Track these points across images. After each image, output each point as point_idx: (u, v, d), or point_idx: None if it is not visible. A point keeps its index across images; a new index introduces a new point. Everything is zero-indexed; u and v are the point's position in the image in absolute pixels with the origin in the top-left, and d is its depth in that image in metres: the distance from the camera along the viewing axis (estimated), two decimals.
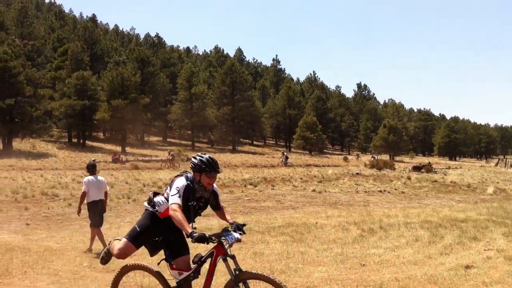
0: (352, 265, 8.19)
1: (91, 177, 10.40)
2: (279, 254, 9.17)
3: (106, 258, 5.40)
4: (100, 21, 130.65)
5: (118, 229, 12.99)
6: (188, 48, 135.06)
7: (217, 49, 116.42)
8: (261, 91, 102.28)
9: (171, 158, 41.97)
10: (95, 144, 62.85)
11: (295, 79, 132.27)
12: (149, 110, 66.29)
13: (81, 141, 61.45)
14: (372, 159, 56.76)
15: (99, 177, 10.59)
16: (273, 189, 25.03)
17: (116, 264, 8.62)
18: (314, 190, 24.02)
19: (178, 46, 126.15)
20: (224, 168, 43.52)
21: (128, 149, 60.29)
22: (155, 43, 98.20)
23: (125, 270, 5.65)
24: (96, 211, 10.30)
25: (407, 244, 9.82)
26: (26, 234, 12.44)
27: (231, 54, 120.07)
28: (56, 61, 69.52)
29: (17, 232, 12.80)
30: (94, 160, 37.22)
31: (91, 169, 10.57)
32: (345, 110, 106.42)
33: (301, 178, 32.03)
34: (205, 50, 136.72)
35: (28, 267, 8.56)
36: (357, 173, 37.52)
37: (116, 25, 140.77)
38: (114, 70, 65.35)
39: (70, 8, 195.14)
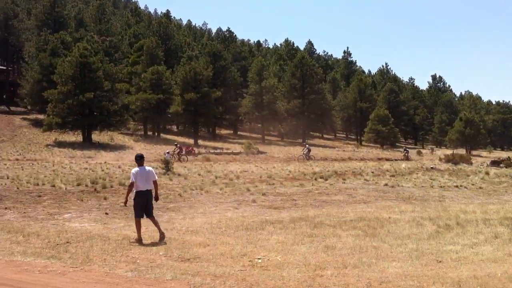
0: (428, 261, 7.98)
1: (138, 168, 10.49)
2: (352, 248, 9.07)
3: None
4: (174, 17, 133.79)
5: (192, 219, 13.30)
6: (258, 41, 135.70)
7: (287, 42, 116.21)
8: (331, 84, 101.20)
9: (178, 150, 41.24)
10: (168, 136, 64.56)
11: (366, 71, 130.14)
12: (221, 103, 67.20)
13: (156, 133, 63.32)
14: (405, 152, 54.97)
15: (147, 168, 10.65)
16: (344, 182, 24.75)
17: (191, 253, 8.86)
18: (386, 185, 23.53)
19: (248, 40, 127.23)
20: (294, 161, 43.49)
21: (200, 141, 61.52)
22: (227, 37, 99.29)
23: None
24: (143, 201, 10.39)
25: (486, 241, 9.45)
26: (105, 223, 12.96)
27: (301, 47, 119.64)
28: (132, 56, 71.90)
29: (96, 221, 13.35)
30: (168, 152, 38.37)
31: (139, 160, 10.64)
32: (419, 102, 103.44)
33: (372, 172, 31.47)
34: (275, 44, 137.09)
35: (108, 254, 8.94)
36: (432, 168, 36.40)
37: (189, 20, 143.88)
38: (187, 64, 66.71)
39: (145, 5, 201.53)
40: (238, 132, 78.99)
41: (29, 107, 64.68)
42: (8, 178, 23.42)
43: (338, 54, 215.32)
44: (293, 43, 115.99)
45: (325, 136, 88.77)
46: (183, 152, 42.09)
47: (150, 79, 60.78)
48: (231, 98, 73.94)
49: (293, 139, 75.78)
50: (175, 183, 23.21)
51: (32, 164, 33.13)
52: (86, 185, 21.52)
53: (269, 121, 73.92)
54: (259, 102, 71.67)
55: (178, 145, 43.10)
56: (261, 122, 74.19)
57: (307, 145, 49.91)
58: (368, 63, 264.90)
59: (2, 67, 77.31)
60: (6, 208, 15.31)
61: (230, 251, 8.95)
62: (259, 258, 8.29)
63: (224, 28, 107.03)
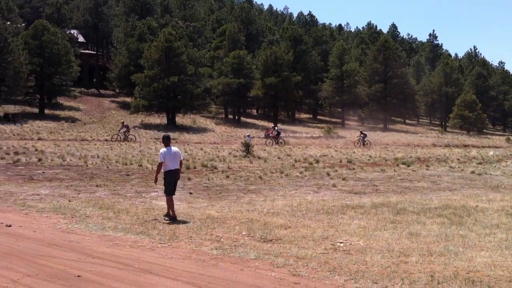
0: None
1: (166, 149, 10.90)
2: (437, 236, 8.86)
3: None
4: (255, 2, 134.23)
5: (272, 202, 13.46)
6: (340, 25, 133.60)
7: (369, 26, 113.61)
8: (415, 68, 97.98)
9: (125, 129, 39.31)
10: (249, 120, 65.34)
11: (453, 55, 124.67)
12: (301, 87, 67.01)
13: (236, 117, 64.27)
14: (361, 136, 44.95)
15: (174, 148, 11.09)
16: (428, 169, 24.04)
17: (273, 235, 9.01)
18: (473, 172, 22.61)
19: (330, 24, 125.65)
20: (375, 147, 42.73)
21: (279, 125, 61.70)
22: (308, 21, 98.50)
23: None
24: (172, 180, 10.92)
25: None
26: (189, 202, 13.40)
27: (384, 30, 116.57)
28: (215, 41, 73.13)
29: (181, 200, 13.81)
30: (248, 135, 38.89)
31: (166, 140, 11.04)
32: (509, 87, 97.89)
33: (458, 159, 30.36)
34: (357, 27, 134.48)
35: (193, 232, 9.27)
36: None
37: (270, 5, 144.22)
38: (268, 49, 66.96)
39: None
40: (318, 117, 78.51)
41: (117, 90, 67.60)
42: (98, 157, 24.71)
43: (423, 37, 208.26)
44: (376, 26, 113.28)
45: (407, 121, 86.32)
46: (130, 131, 39.89)
47: (232, 63, 61.64)
48: (311, 82, 73.51)
49: (374, 124, 74.33)
50: (255, 166, 23.53)
51: (120, 144, 34.73)
52: None
53: (349, 105, 72.89)
54: (340, 87, 70.77)
55: (124, 124, 40.52)
56: (341, 107, 73.31)
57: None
58: (455, 47, 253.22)
59: (93, 52, 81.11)
60: (97, 185, 16.18)
61: (312, 234, 9.01)
62: (341, 242, 8.30)
63: (305, 12, 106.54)
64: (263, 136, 46.17)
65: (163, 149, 10.99)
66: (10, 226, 9.64)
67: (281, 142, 40.73)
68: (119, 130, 39.50)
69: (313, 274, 6.61)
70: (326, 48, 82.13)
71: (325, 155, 30.30)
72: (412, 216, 10.95)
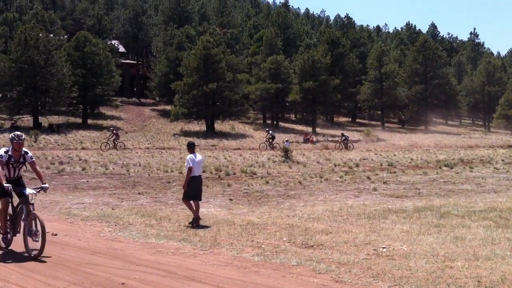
0: None
1: (192, 155, 11.15)
2: (483, 239, 8.62)
3: None
4: (292, 6, 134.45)
5: (312, 207, 13.39)
6: (378, 26, 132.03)
7: (408, 26, 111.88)
8: (456, 67, 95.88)
9: (114, 137, 37.96)
10: (287, 125, 65.24)
11: (495, 53, 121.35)
12: (339, 91, 66.47)
13: (275, 122, 64.27)
14: (342, 139, 42.74)
15: (198, 155, 11.39)
16: (472, 171, 23.48)
17: (314, 240, 8.95)
18: None
19: (367, 26, 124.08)
20: (416, 149, 42.01)
21: (318, 129, 61.47)
22: (345, 23, 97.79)
23: None
24: (195, 185, 11.12)
25: None
26: (229, 208, 13.47)
27: (424, 30, 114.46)
28: (252, 47, 73.45)
29: (221, 206, 13.92)
30: (287, 140, 38.81)
31: (191, 147, 11.34)
32: None
33: (502, 160, 29.54)
34: (395, 28, 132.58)
35: (234, 238, 9.29)
36: None
37: (306, 8, 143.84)
38: (305, 53, 66.79)
39: None
40: (357, 120, 77.73)
41: (157, 99, 68.66)
42: (140, 165, 25.14)
43: (464, 36, 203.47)
44: (415, 27, 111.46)
45: (449, 122, 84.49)
46: (119, 138, 38.45)
47: (269, 68, 61.74)
48: (350, 85, 72.83)
49: (415, 126, 73.06)
50: (295, 171, 23.48)
51: (161, 152, 35.24)
52: (211, 172, 22.49)
53: (389, 108, 71.91)
54: (379, 89, 69.91)
55: (114, 130, 38.97)
56: (381, 109, 72.37)
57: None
58: (497, 45, 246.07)
59: (133, 62, 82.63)
60: (139, 193, 16.46)
61: (353, 239, 8.91)
62: (383, 247, 8.17)
63: (343, 15, 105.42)
64: (302, 141, 46.05)
65: (190, 156, 11.21)
66: (56, 235, 9.89)
67: (275, 147, 40.23)
68: (109, 138, 37.94)
69: (356, 280, 6.52)
70: (364, 50, 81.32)
71: (365, 159, 29.99)
72: (456, 220, 10.69)
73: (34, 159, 8.62)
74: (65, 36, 67.29)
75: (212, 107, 54.74)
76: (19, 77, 48.39)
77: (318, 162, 27.63)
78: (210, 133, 52.93)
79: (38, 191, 8.37)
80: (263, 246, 8.62)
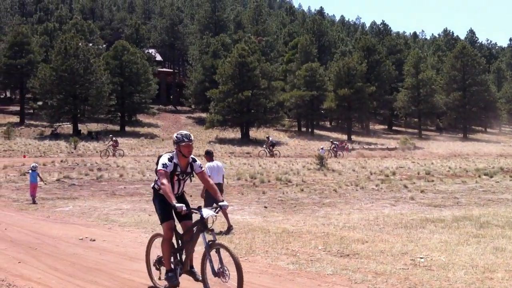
0: None
1: (211, 163, 11.33)
2: None
3: None
4: (327, 14, 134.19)
5: (348, 215, 13.27)
6: (414, 33, 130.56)
7: (446, 32, 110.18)
8: (496, 74, 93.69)
9: (333, 146, 38.01)
10: (322, 132, 64.95)
11: None
12: (375, 98, 65.90)
13: (310, 129, 64.07)
14: (333, 147, 42.53)
15: (218, 163, 11.65)
16: None
17: (350, 249, 8.87)
18: None
19: (404, 32, 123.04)
20: (454, 157, 41.19)
21: (353, 137, 60.99)
22: (381, 30, 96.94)
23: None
24: None
25: None
26: (264, 216, 13.47)
27: (462, 36, 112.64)
28: (287, 54, 73.53)
29: (256, 214, 13.93)
30: (322, 148, 38.61)
31: (210, 155, 11.56)
32: None
33: None
34: (432, 34, 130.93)
35: (269, 246, 9.28)
36: None
37: (342, 16, 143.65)
38: (340, 60, 66.54)
39: (299, 3, 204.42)
40: (393, 127, 76.76)
41: (193, 106, 69.44)
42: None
43: (503, 42, 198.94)
44: (452, 33, 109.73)
45: (488, 130, 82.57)
46: (118, 146, 38.11)
47: (304, 76, 61.69)
48: (386, 92, 72.08)
49: (453, 133, 71.68)
50: (330, 179, 23.33)
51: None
52: (246, 180, 22.56)
53: (426, 115, 70.78)
54: (416, 96, 68.93)
55: (113, 138, 38.75)
56: (418, 117, 71.28)
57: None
58: None
59: (169, 70, 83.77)
60: None
61: (390, 249, 8.78)
62: (421, 257, 8.03)
63: (378, 21, 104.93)
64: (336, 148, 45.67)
65: (208, 164, 11.37)
66: (94, 240, 10.08)
67: (275, 154, 39.78)
68: (108, 146, 37.27)
69: None
70: (400, 57, 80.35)
71: (401, 167, 29.56)
72: (496, 230, 10.43)
73: (203, 168, 6.69)
74: (104, 45, 68.87)
75: (247, 114, 54.98)
76: (60, 85, 49.64)
77: (353, 170, 27.37)
78: (245, 140, 53.14)
79: (217, 212, 6.36)
80: (298, 254, 8.58)
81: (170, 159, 6.25)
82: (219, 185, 11.38)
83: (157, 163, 6.28)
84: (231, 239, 10.03)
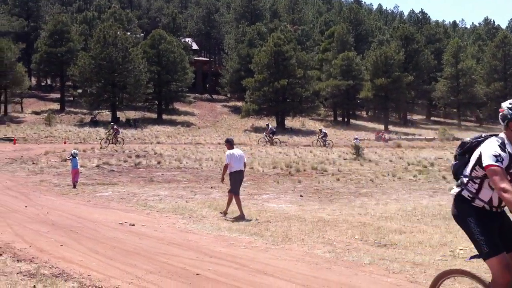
0: None
1: (231, 151, 11.51)
2: None
3: None
4: (364, 2, 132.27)
5: (385, 205, 13.16)
6: (454, 22, 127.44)
7: (486, 21, 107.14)
8: None
9: (114, 132, 35.46)
10: (358, 122, 64.36)
11: None
12: (413, 88, 64.86)
13: (346, 119, 63.56)
14: (321, 136, 40.98)
15: (239, 151, 11.88)
16: None
17: (387, 240, 8.81)
18: None
19: (443, 21, 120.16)
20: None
21: (390, 127, 60.20)
22: (419, 19, 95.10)
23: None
24: (238, 179, 11.53)
25: None
26: (300, 204, 13.47)
27: (503, 25, 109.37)
28: (323, 43, 72.90)
29: (292, 202, 13.95)
30: (356, 138, 38.24)
31: (230, 143, 11.79)
32: None
33: None
34: (473, 23, 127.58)
35: (305, 235, 9.29)
36: None
37: (379, 4, 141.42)
38: (377, 49, 65.61)
39: None
40: (432, 118, 75.45)
41: (228, 95, 69.75)
42: (212, 160, 25.60)
43: None
44: (493, 22, 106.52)
45: None
46: (119, 134, 36.12)
47: (340, 65, 61.10)
48: (424, 82, 70.77)
49: (493, 124, 69.91)
50: (366, 169, 23.13)
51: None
52: (281, 168, 22.58)
53: (465, 105, 69.32)
54: (455, 86, 67.51)
55: (114, 126, 37.31)
56: (457, 107, 69.85)
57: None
58: None
59: (205, 59, 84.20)
60: (211, 187, 16.79)
61: (429, 240, 8.68)
62: (460, 249, 7.91)
63: (417, 10, 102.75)
64: (374, 138, 45.24)
65: (228, 151, 11.58)
66: (133, 225, 10.30)
67: (275, 142, 39.23)
68: (109, 134, 36.33)
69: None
70: (439, 46, 78.70)
71: (440, 158, 29.03)
72: None
73: None
74: (141, 34, 69.70)
75: (282, 103, 54.88)
76: (98, 73, 50.52)
77: (390, 161, 27.04)
78: (281, 129, 53.06)
79: None
80: (334, 243, 8.57)
81: (502, 147, 3.86)
82: (241, 172, 11.68)
83: (466, 154, 4.19)
84: (267, 226, 10.09)
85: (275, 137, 40.38)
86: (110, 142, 34.39)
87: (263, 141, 40.07)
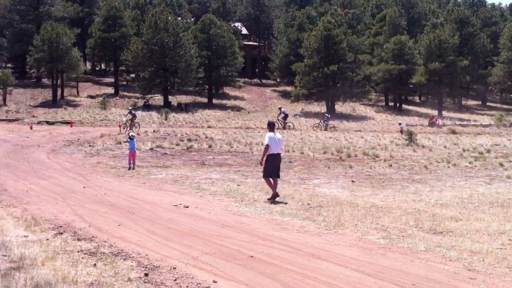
0: None
1: (272, 133, 11.49)
2: None
3: None
4: None
5: (440, 192, 12.90)
6: (511, 5, 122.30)
7: None
8: None
9: (130, 117, 34.24)
10: (410, 107, 63.03)
11: None
12: (467, 72, 62.85)
13: (397, 104, 62.33)
14: (324, 119, 40.84)
15: (278, 134, 11.83)
16: None
17: (443, 227, 8.64)
18: None
19: (500, 4, 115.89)
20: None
21: (444, 113, 58.67)
22: (475, 2, 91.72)
23: None
24: (274, 163, 11.50)
25: None
26: (352, 190, 13.37)
27: None
28: (375, 27, 71.46)
29: (344, 188, 13.85)
30: (400, 123, 37.45)
31: (272, 126, 11.81)
32: None
33: None
34: None
35: (358, 220, 9.24)
36: None
37: None
38: (431, 33, 63.66)
39: None
40: (487, 103, 73.00)
41: (278, 80, 69.58)
42: (262, 144, 25.64)
43: None
44: None
45: None
46: (135, 119, 35.08)
47: (392, 49, 59.72)
48: (480, 66, 68.39)
49: None
50: (420, 155, 22.71)
51: (282, 132, 35.62)
52: (332, 154, 22.46)
53: None
54: None
55: (132, 111, 35.74)
56: None
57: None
58: None
59: (255, 44, 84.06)
60: (261, 171, 16.87)
61: (486, 228, 8.48)
62: None
63: None
64: (427, 124, 44.23)
65: (268, 134, 11.60)
66: (187, 207, 10.51)
67: (289, 126, 38.32)
68: (128, 119, 34.75)
69: (491, 270, 6.22)
70: (496, 30, 75.73)
71: (497, 145, 28.15)
72: None
73: None
74: (192, 19, 70.19)
75: (332, 88, 54.30)
76: (151, 58, 51.33)
77: (444, 147, 26.42)
78: (331, 114, 52.62)
79: None
80: (388, 229, 8.49)
81: None
82: (278, 156, 11.73)
83: None
84: (319, 211, 10.08)
85: (287, 121, 39.50)
86: (128, 127, 33.29)
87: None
